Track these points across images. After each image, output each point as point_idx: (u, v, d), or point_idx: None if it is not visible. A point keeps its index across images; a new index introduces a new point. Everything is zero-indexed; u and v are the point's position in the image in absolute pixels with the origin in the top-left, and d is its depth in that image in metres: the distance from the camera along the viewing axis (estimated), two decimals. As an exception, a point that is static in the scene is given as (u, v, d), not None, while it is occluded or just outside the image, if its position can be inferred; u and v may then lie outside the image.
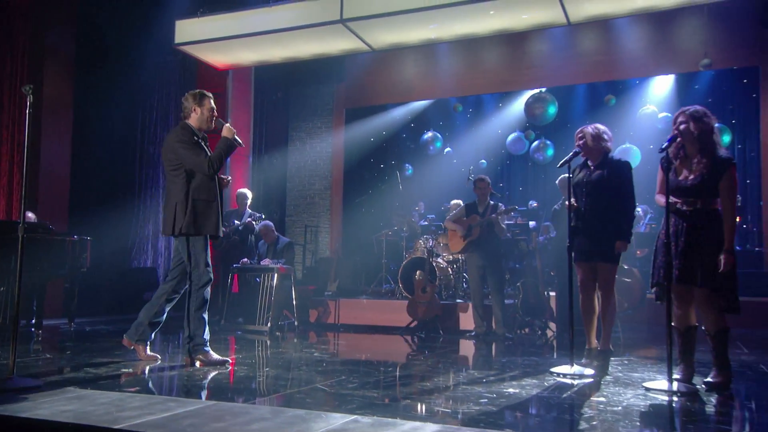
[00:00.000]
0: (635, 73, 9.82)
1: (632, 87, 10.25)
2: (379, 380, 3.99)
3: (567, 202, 4.48)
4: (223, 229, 4.88)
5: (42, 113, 8.20)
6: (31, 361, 4.55)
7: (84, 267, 6.55)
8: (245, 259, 7.29)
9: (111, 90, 9.70)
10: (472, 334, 6.58)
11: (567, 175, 4.51)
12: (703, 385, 3.64)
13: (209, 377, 3.95)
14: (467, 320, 6.88)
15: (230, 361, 4.42)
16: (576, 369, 4.08)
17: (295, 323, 7.13)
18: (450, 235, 6.83)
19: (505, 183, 11.93)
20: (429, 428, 2.66)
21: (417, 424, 2.73)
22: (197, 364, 4.32)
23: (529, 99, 9.91)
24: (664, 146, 3.70)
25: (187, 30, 8.43)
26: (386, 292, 8.23)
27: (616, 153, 6.00)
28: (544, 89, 9.98)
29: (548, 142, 10.72)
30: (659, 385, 3.62)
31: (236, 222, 7.65)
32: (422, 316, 6.83)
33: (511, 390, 3.57)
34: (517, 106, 10.81)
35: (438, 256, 7.67)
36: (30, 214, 6.68)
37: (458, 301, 7.38)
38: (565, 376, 4.04)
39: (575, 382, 3.90)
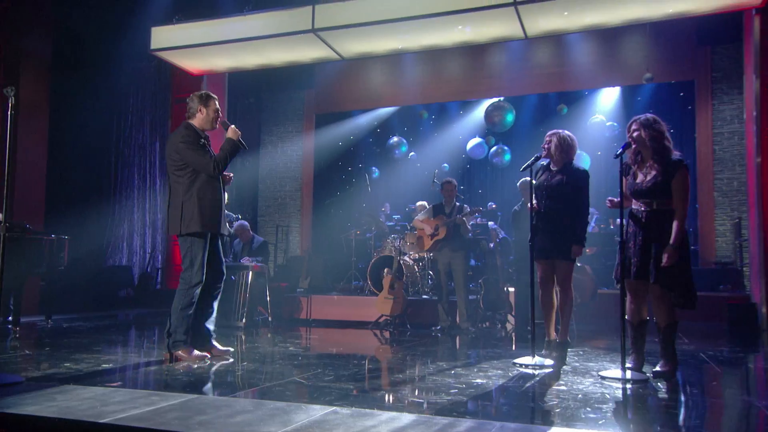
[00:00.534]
0: (585, 85, 10.01)
1: (582, 97, 10.44)
2: (354, 373, 3.97)
3: (529, 204, 4.54)
4: (230, 230, 4.76)
5: (18, 115, 7.90)
6: (10, 357, 4.38)
7: (62, 265, 6.35)
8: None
9: (87, 93, 9.45)
10: (438, 328, 6.61)
11: (528, 178, 4.58)
12: (652, 374, 3.73)
13: (189, 372, 3.87)
14: (433, 315, 6.91)
15: (209, 356, 4.33)
16: (537, 360, 4.13)
17: (269, 319, 7.05)
18: (419, 235, 6.85)
19: (465, 185, 12.00)
20: (405, 418, 2.66)
21: (394, 414, 2.72)
22: (177, 359, 4.22)
23: (488, 107, 10.02)
24: (618, 153, 3.77)
25: (163, 36, 8.26)
26: (355, 288, 8.21)
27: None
28: (502, 98, 10.09)
29: (505, 148, 10.84)
30: (613, 374, 3.69)
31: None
32: (391, 312, 6.83)
33: (478, 380, 3.60)
34: (477, 113, 10.92)
35: (405, 254, 7.69)
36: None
37: (424, 297, 7.41)
38: (527, 366, 4.09)
39: (536, 372, 3.95)
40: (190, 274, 4.22)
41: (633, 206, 3.78)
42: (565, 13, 6.99)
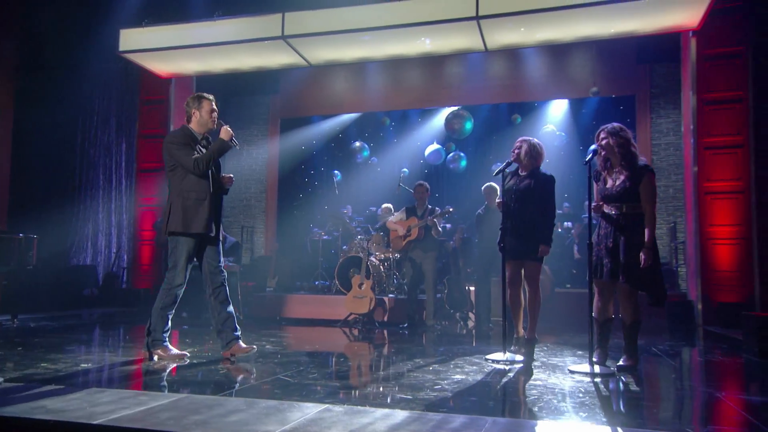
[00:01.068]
0: (537, 97, 10.19)
1: (534, 108, 10.62)
2: (336, 370, 3.89)
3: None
4: (223, 234, 4.51)
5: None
6: (-19, 359, 4.09)
7: (30, 264, 6.00)
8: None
9: (52, 94, 9.00)
10: (405, 325, 6.57)
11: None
12: (616, 368, 3.80)
13: (169, 371, 3.70)
14: (399, 313, 6.87)
15: (188, 355, 4.16)
16: (508, 356, 4.15)
17: (240, 317, 6.85)
18: (391, 235, 6.81)
19: (423, 190, 12.05)
20: (399, 415, 2.60)
21: (387, 411, 2.67)
22: (155, 358, 4.04)
23: (448, 115, 10.06)
24: (587, 159, 3.83)
25: (132, 38, 7.95)
26: (322, 288, 8.09)
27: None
28: (460, 107, 10.16)
29: (462, 154, 10.92)
30: (582, 368, 3.74)
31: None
32: (359, 310, 6.76)
33: (457, 376, 3.57)
34: (437, 121, 10.95)
35: (371, 254, 7.63)
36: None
37: (390, 296, 7.36)
38: (499, 362, 4.10)
39: (508, 367, 3.96)
40: (173, 275, 4.03)
41: (604, 209, 3.84)
42: (522, 29, 7.10)
